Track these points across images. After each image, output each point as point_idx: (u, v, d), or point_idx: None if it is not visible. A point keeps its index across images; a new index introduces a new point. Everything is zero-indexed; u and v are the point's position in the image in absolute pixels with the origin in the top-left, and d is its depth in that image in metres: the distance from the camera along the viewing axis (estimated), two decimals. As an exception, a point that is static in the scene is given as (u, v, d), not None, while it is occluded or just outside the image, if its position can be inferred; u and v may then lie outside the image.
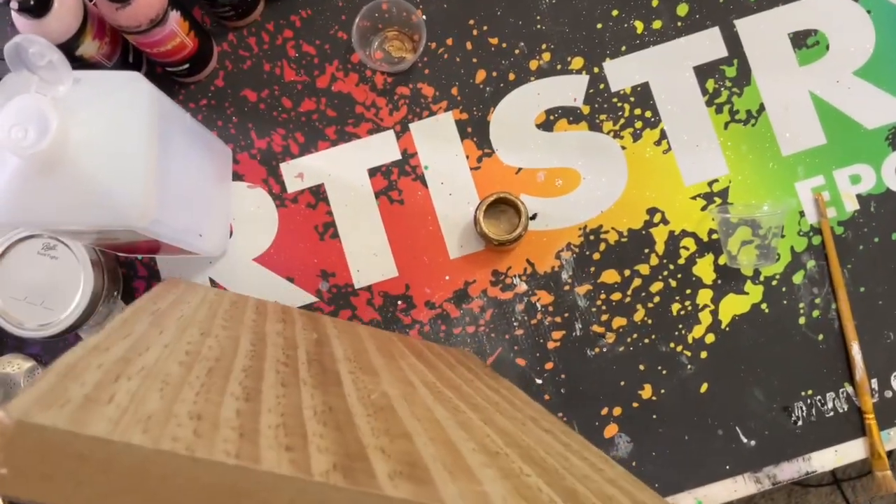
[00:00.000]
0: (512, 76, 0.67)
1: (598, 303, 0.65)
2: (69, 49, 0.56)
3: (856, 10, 0.66)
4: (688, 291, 0.65)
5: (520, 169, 0.66)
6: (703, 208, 0.65)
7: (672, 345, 0.64)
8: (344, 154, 0.67)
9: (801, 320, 0.64)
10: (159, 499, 0.24)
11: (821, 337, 0.64)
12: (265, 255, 0.66)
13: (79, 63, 0.58)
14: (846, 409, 0.64)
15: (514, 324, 0.65)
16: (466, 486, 0.27)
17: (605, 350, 0.65)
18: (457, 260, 0.65)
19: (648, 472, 0.63)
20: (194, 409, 0.27)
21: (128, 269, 0.66)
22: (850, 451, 0.63)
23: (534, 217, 0.65)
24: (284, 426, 0.28)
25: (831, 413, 0.64)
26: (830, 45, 0.66)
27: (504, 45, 0.67)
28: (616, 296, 0.65)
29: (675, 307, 0.64)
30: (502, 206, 0.62)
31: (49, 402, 0.24)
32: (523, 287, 0.65)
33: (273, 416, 0.28)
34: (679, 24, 0.67)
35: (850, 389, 0.64)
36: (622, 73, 0.67)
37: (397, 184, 0.66)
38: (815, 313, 0.64)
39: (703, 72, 0.66)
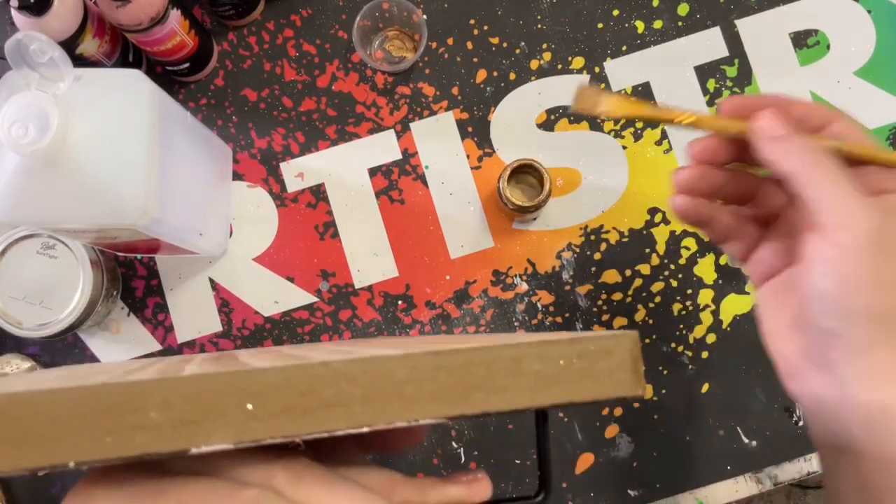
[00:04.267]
0: (513, 76, 0.67)
1: (599, 303, 0.65)
2: (69, 47, 0.55)
3: (856, 9, 0.66)
4: (689, 291, 0.64)
5: (521, 169, 0.66)
6: (704, 208, 0.65)
7: (673, 345, 0.64)
8: (344, 154, 0.66)
9: (803, 320, 0.64)
10: (32, 437, 0.24)
11: (822, 337, 0.64)
12: (265, 255, 0.66)
13: (79, 62, 0.58)
14: (847, 410, 0.63)
15: (515, 324, 0.65)
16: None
17: (606, 350, 0.64)
18: (457, 260, 0.65)
19: (649, 472, 0.63)
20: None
21: (127, 269, 0.66)
22: (851, 452, 0.63)
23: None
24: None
25: (832, 413, 0.63)
26: (831, 44, 0.66)
27: (505, 44, 0.67)
28: (617, 296, 0.65)
29: (677, 307, 0.64)
30: (523, 175, 0.62)
31: None
32: (524, 287, 0.65)
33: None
34: (680, 23, 0.67)
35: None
36: (623, 72, 0.67)
37: (398, 183, 0.66)
38: (816, 313, 0.64)
39: (704, 71, 0.66)
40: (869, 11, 0.66)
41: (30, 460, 0.24)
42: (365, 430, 0.25)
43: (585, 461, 0.63)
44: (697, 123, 0.35)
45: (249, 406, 0.25)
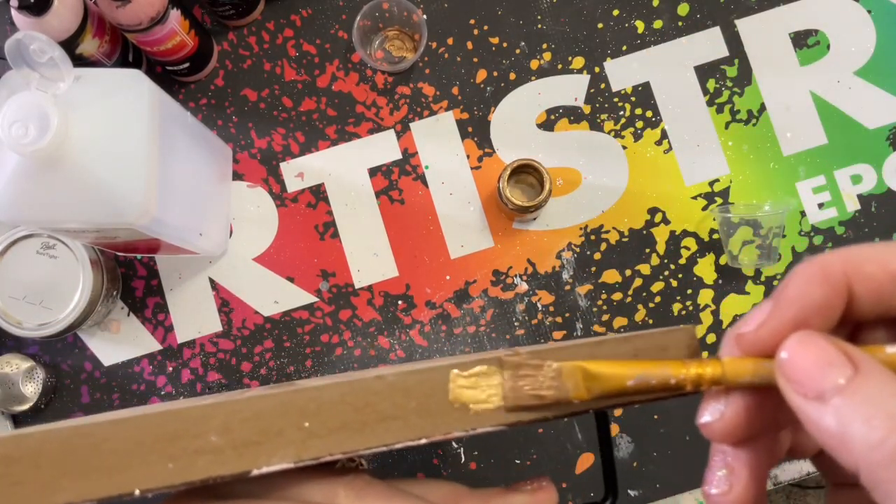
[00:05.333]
0: (513, 76, 0.67)
1: (599, 303, 0.65)
2: (69, 47, 0.55)
3: (856, 9, 0.66)
4: (689, 291, 0.64)
5: (521, 168, 0.66)
6: (704, 208, 0.65)
7: (673, 345, 0.64)
8: (344, 153, 0.66)
9: (803, 320, 0.64)
10: (97, 468, 0.24)
11: (822, 337, 0.64)
12: (265, 255, 0.66)
13: (78, 62, 0.58)
14: (847, 410, 0.63)
15: (515, 324, 0.65)
16: None
17: (606, 350, 0.64)
18: (457, 260, 0.65)
19: (650, 472, 0.63)
20: None
21: (127, 269, 0.66)
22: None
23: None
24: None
25: (832, 413, 0.63)
26: (831, 44, 0.66)
27: (505, 44, 0.67)
28: (617, 296, 0.65)
29: (677, 307, 0.64)
30: (523, 175, 0.62)
31: None
32: (524, 287, 0.65)
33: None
34: (680, 23, 0.67)
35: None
36: (623, 72, 0.67)
37: (398, 183, 0.66)
38: (817, 313, 0.64)
39: (704, 71, 0.66)
40: (869, 11, 0.66)
41: (96, 490, 0.24)
42: (423, 441, 0.25)
43: (585, 461, 0.63)
44: (722, 380, 0.23)
45: (307, 424, 0.25)
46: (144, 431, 0.24)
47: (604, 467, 0.32)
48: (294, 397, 0.25)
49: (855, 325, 0.24)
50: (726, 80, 0.66)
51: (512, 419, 0.25)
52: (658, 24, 0.67)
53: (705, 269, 0.65)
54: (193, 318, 0.65)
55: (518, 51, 0.67)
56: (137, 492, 0.24)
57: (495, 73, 0.67)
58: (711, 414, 0.24)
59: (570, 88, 0.67)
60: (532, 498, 0.30)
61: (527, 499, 0.30)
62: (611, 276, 0.65)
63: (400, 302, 0.65)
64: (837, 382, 0.20)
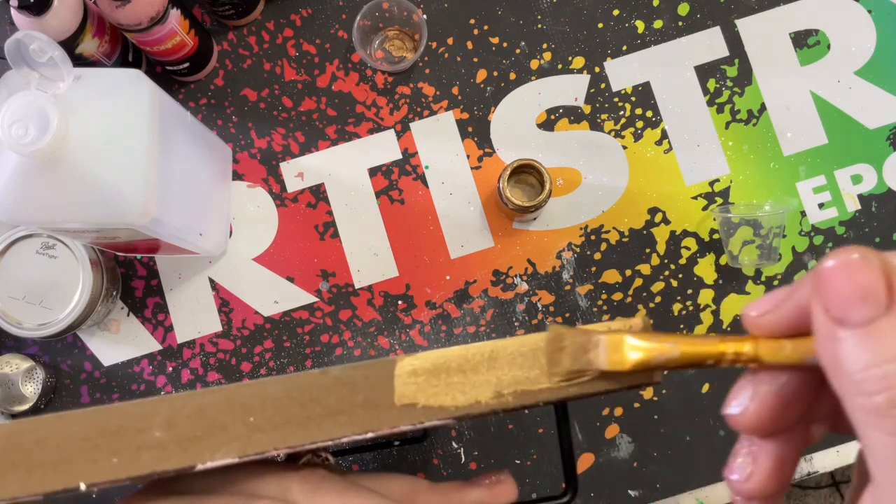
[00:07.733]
0: (513, 76, 0.67)
1: (600, 303, 0.64)
2: (69, 47, 0.55)
3: (857, 9, 0.66)
4: (689, 291, 0.64)
5: (521, 168, 0.66)
6: (705, 208, 0.65)
7: (673, 345, 0.64)
8: (344, 153, 0.66)
9: (803, 320, 0.64)
10: (42, 463, 0.24)
11: (822, 337, 0.64)
12: (265, 255, 0.66)
13: (78, 61, 0.58)
14: (847, 410, 0.63)
15: (515, 324, 0.65)
16: None
17: (606, 350, 0.64)
18: (457, 260, 0.65)
19: (650, 472, 0.63)
20: None
21: (127, 269, 0.66)
22: (851, 452, 0.63)
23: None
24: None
25: (833, 413, 0.63)
26: (832, 44, 0.66)
27: (505, 44, 0.67)
28: (617, 296, 0.65)
29: (677, 307, 0.64)
30: (523, 175, 0.62)
31: None
32: (524, 287, 0.65)
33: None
34: (680, 23, 0.67)
35: (851, 390, 0.64)
36: (623, 72, 0.67)
37: (398, 183, 0.66)
38: (817, 313, 0.64)
39: (705, 71, 0.66)
40: (869, 11, 0.66)
41: (42, 484, 0.24)
42: (369, 435, 0.25)
43: (586, 461, 0.63)
44: (759, 359, 0.23)
45: (251, 419, 0.25)
46: (88, 427, 0.25)
47: (563, 462, 0.32)
48: (238, 392, 0.25)
49: None
50: (726, 80, 0.66)
51: (461, 413, 0.26)
52: (658, 23, 0.67)
53: (705, 269, 0.65)
54: (193, 318, 0.65)
55: (518, 51, 0.67)
56: (83, 486, 0.24)
57: (495, 73, 0.67)
58: (738, 406, 0.24)
59: (570, 88, 0.66)
60: (490, 492, 0.30)
61: (485, 493, 0.30)
62: (611, 276, 0.65)
63: (400, 302, 0.65)
64: (861, 317, 0.19)
